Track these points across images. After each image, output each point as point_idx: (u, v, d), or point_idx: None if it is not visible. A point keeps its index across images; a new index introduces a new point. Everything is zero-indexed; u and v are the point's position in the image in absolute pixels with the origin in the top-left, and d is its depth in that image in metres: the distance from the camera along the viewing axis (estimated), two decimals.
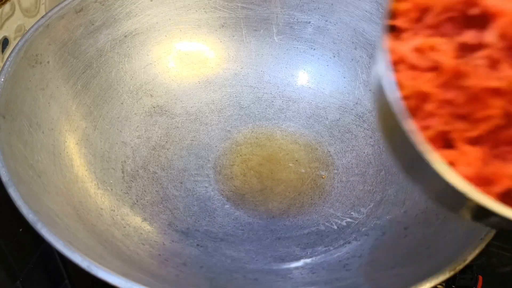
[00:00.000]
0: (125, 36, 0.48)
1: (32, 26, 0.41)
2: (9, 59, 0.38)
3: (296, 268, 0.38)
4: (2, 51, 0.48)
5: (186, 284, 0.36)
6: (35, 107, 0.40)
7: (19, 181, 0.33)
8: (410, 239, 0.38)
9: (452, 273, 0.30)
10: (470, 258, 0.31)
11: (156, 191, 0.43)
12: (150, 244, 0.39)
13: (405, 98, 0.21)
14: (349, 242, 0.40)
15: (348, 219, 0.42)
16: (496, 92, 0.20)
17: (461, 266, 0.30)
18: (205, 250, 0.39)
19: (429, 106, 0.21)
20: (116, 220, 0.40)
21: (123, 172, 0.44)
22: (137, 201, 0.42)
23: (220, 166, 0.46)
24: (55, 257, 0.45)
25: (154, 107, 0.49)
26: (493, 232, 0.32)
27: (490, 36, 0.21)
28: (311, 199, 0.43)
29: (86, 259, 0.29)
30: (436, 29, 0.22)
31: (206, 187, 0.44)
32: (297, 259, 0.39)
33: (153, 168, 0.45)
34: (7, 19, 0.48)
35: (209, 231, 0.41)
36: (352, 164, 0.45)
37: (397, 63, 0.22)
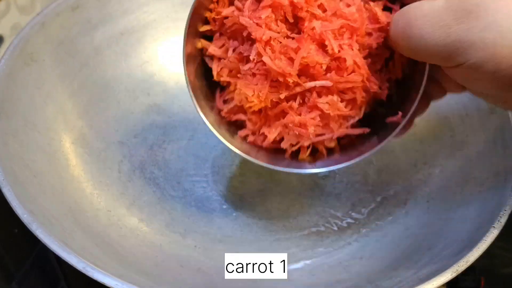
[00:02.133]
0: (122, 34, 0.48)
1: (27, 24, 0.41)
2: (4, 57, 0.38)
3: (296, 269, 0.38)
4: None
5: (183, 286, 0.36)
6: (31, 106, 0.40)
7: (15, 181, 0.33)
8: (412, 240, 0.38)
9: (454, 274, 0.30)
10: (472, 259, 0.31)
11: (153, 191, 0.43)
12: (147, 245, 0.39)
13: (217, 77, 0.34)
14: (350, 244, 0.40)
15: (349, 220, 0.41)
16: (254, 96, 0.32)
17: (463, 268, 0.30)
18: (203, 251, 0.39)
19: (231, 86, 0.34)
20: (113, 221, 0.39)
21: (119, 172, 0.43)
22: (134, 202, 0.42)
23: (218, 166, 0.45)
24: (51, 258, 0.44)
25: (151, 106, 0.48)
26: (496, 233, 0.32)
27: (252, 53, 0.31)
28: (311, 200, 0.43)
29: (81, 261, 0.29)
30: (232, 33, 0.33)
31: (204, 187, 0.44)
32: (297, 260, 0.39)
33: (150, 168, 0.44)
34: (2, 16, 0.47)
35: (207, 232, 0.41)
36: (352, 164, 0.45)
37: (211, 56, 0.34)
